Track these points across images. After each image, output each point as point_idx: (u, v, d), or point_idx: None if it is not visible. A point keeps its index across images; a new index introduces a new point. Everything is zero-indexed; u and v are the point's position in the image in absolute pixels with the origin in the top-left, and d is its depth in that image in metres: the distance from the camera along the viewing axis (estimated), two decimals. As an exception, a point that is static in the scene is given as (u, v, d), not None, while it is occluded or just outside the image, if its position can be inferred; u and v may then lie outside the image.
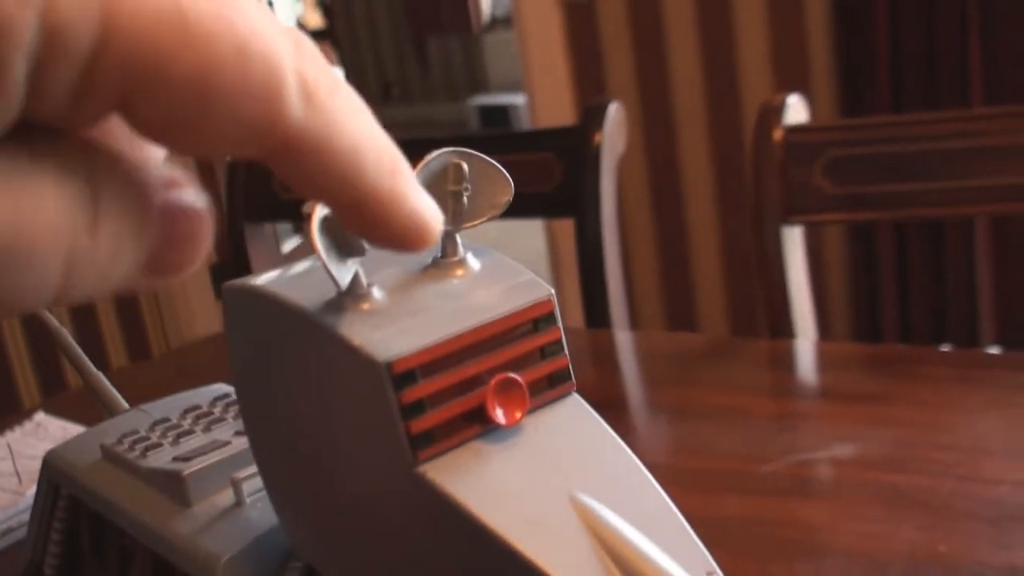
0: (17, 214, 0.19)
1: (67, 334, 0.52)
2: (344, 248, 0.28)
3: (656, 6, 2.28)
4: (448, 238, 0.31)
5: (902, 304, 2.14)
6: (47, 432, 0.89)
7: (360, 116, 0.23)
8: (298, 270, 0.32)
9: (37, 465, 0.52)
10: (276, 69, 0.21)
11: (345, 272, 0.29)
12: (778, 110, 1.17)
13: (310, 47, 0.22)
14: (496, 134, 3.09)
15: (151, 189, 0.21)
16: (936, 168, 1.13)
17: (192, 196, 0.22)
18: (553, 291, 0.31)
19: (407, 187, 0.24)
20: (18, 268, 0.19)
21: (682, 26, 2.25)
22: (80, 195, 0.20)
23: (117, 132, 0.22)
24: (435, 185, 0.31)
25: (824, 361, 1.04)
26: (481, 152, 0.31)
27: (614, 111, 1.26)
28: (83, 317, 2.93)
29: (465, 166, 0.30)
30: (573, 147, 1.27)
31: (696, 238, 2.38)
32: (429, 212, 0.24)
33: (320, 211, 0.28)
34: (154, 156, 0.23)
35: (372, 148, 0.23)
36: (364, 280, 0.29)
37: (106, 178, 0.21)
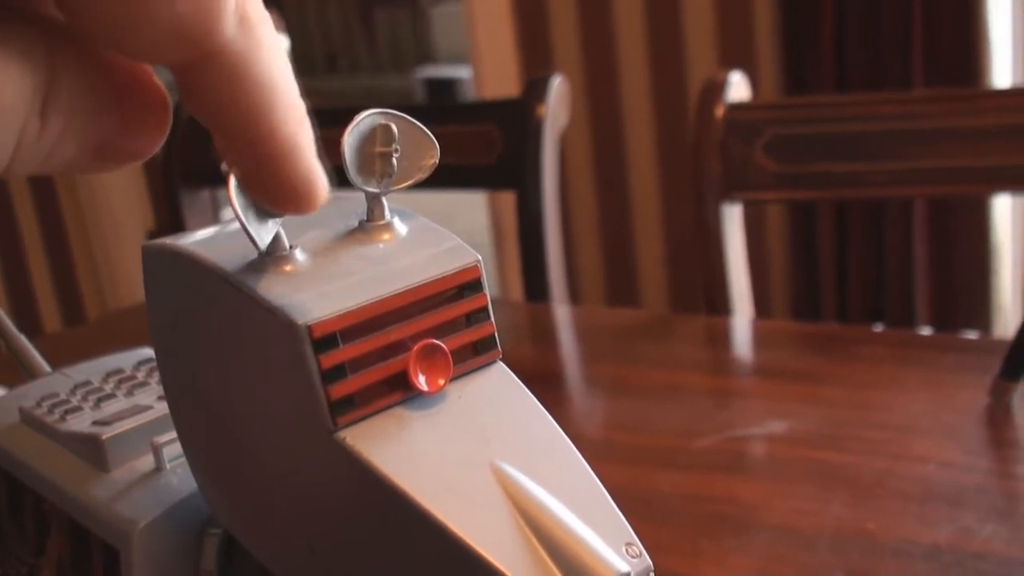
0: None
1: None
2: (265, 207, 0.28)
3: (604, -19, 2.28)
4: (375, 201, 0.30)
5: (840, 283, 2.16)
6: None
7: (279, 55, 0.23)
8: (221, 231, 0.31)
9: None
10: None
11: (265, 233, 0.28)
12: (720, 87, 1.17)
13: None
14: (437, 105, 3.06)
15: (109, 74, 0.22)
16: (877, 149, 1.13)
17: (151, 85, 0.22)
18: (480, 257, 0.31)
19: (307, 143, 0.24)
20: None
21: (629, 1, 2.25)
22: (36, 76, 0.20)
23: None
24: (363, 147, 0.30)
25: (760, 339, 1.05)
26: (423, 123, 0.31)
27: (557, 84, 1.26)
28: (17, 280, 2.89)
29: (394, 127, 0.30)
30: (515, 119, 1.27)
31: (639, 213, 2.38)
32: (321, 176, 0.24)
33: None
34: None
35: (285, 90, 0.23)
36: (286, 242, 0.29)
37: (63, 60, 0.21)
